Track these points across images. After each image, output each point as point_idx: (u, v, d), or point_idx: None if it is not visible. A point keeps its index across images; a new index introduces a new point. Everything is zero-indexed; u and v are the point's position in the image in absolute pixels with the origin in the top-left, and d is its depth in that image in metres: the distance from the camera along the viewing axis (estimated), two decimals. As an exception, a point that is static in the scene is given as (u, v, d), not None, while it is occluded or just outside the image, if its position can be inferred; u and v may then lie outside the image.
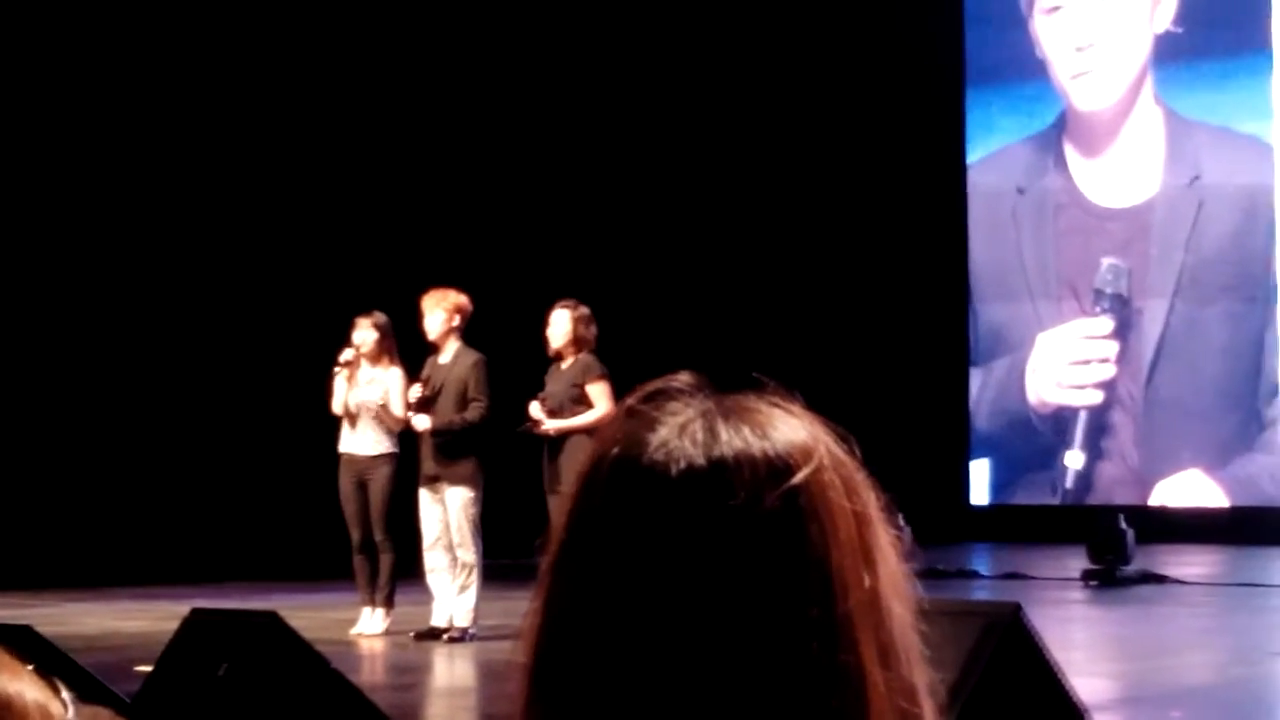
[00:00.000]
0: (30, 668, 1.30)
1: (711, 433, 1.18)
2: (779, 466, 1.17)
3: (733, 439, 1.18)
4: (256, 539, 16.46)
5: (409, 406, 11.67)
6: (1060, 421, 19.30)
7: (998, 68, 19.99)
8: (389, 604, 11.97)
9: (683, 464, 1.17)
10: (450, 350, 11.69)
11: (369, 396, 11.86)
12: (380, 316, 12.04)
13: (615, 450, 1.20)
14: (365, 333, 11.91)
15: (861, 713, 1.15)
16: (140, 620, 12.59)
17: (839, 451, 1.21)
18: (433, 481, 11.56)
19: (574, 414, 11.22)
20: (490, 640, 11.39)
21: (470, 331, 11.82)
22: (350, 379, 11.94)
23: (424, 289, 11.89)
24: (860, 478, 1.21)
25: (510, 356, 12.31)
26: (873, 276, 19.64)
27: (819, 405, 1.24)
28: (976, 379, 19.96)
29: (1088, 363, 19.15)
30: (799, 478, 1.17)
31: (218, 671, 7.69)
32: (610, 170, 18.86)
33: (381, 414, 11.84)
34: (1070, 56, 19.50)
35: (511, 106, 18.53)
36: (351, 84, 17.72)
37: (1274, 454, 18.29)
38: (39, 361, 16.29)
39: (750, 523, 1.15)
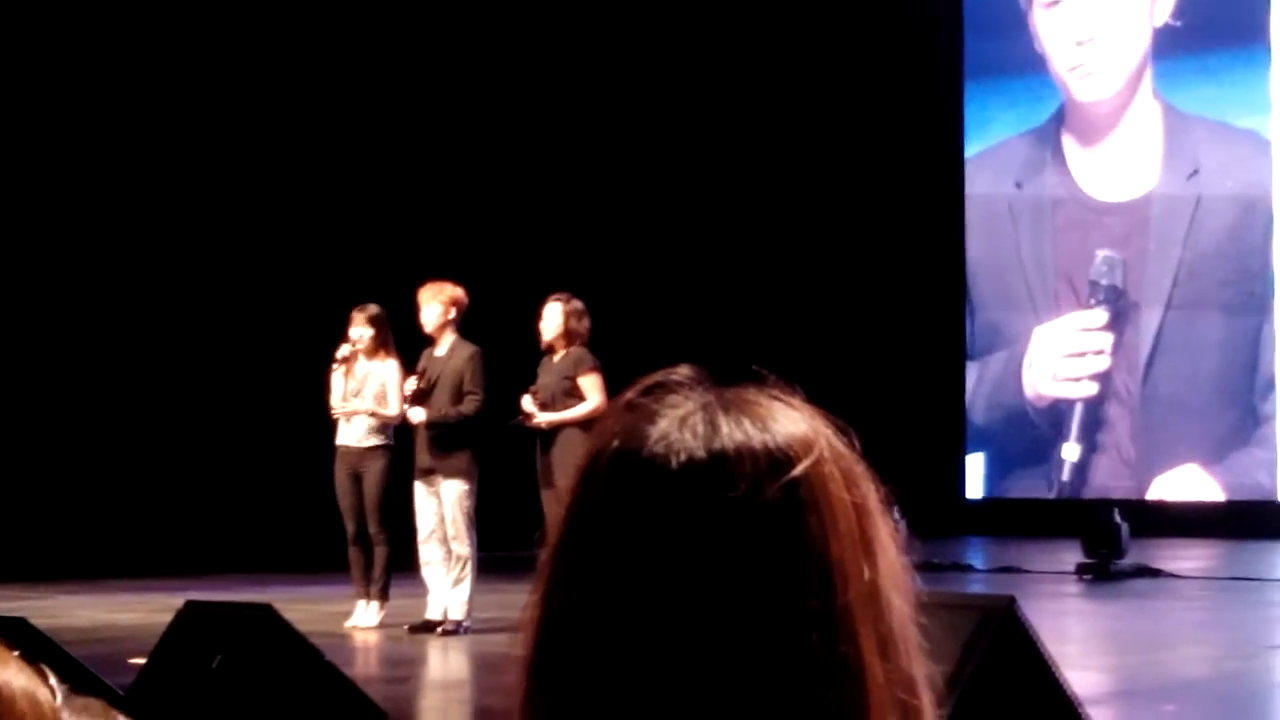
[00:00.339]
0: (16, 654, 1.29)
1: (712, 425, 1.18)
2: (779, 459, 1.17)
3: (733, 431, 1.18)
4: (251, 531, 16.46)
5: (405, 399, 11.68)
6: (1056, 415, 19.31)
7: (996, 63, 19.99)
8: (384, 596, 11.96)
9: (683, 456, 1.17)
10: (446, 343, 11.68)
11: (361, 402, 11.86)
12: (375, 309, 12.04)
13: (615, 443, 1.20)
14: (361, 329, 11.91)
15: (861, 705, 1.15)
16: (134, 612, 12.58)
17: (839, 444, 1.20)
18: (427, 474, 11.56)
19: (566, 407, 11.22)
20: (485, 633, 11.40)
21: (466, 324, 11.81)
22: (347, 373, 11.94)
23: (420, 281, 11.89)
24: (860, 470, 1.21)
25: (506, 349, 12.30)
26: (869, 270, 19.64)
27: (815, 399, 1.24)
28: (973, 373, 19.97)
29: (1083, 355, 19.16)
30: (799, 470, 1.17)
31: (212, 663, 7.69)
32: (608, 166, 18.86)
33: (376, 409, 11.83)
34: (1070, 50, 19.51)
35: (508, 99, 18.52)
36: (347, 80, 17.72)
37: (1269, 449, 18.30)
38: (35, 356, 16.28)
39: (750, 515, 1.15)
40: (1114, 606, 13.36)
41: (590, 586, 1.17)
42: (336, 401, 12.00)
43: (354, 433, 11.97)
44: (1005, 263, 19.85)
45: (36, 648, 7.20)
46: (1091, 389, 19.16)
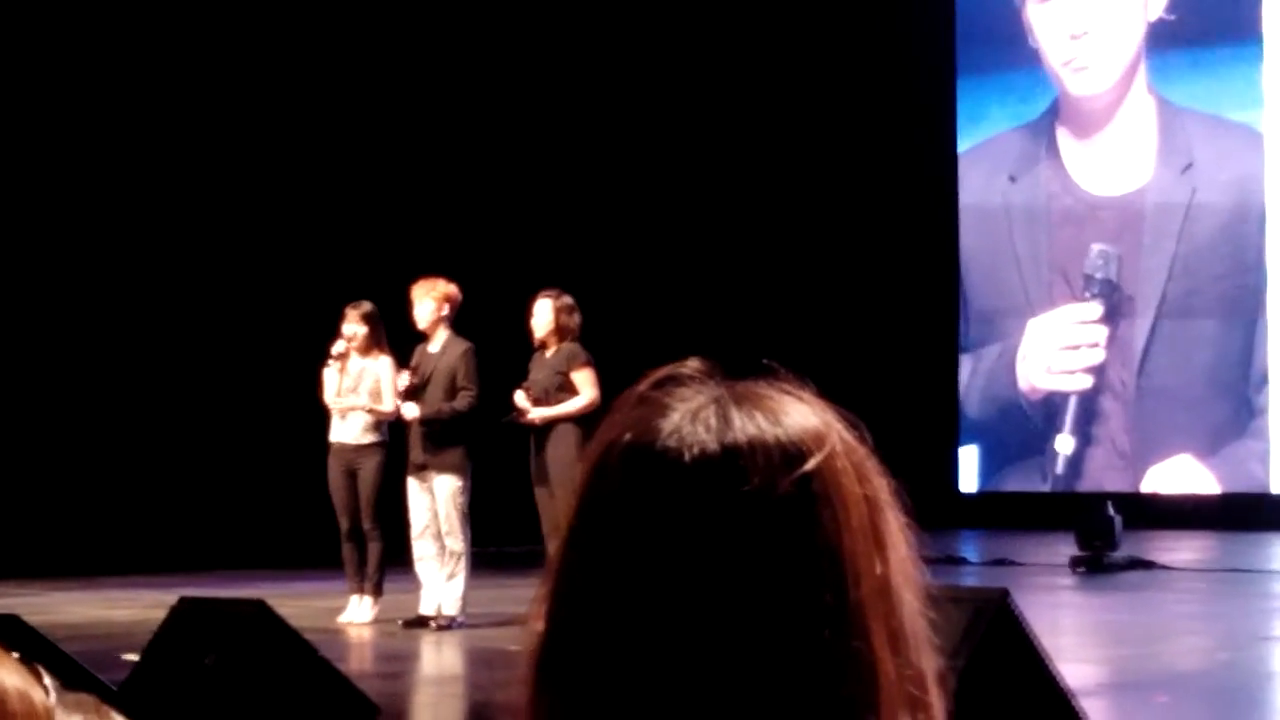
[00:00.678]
0: (16, 656, 1.29)
1: (724, 419, 1.18)
2: (792, 452, 1.17)
3: (746, 425, 1.18)
4: (245, 527, 16.46)
5: (399, 394, 11.68)
6: (1050, 407, 19.32)
7: (989, 57, 19.99)
8: (377, 592, 11.97)
9: (696, 450, 1.17)
10: (440, 339, 11.69)
11: (357, 399, 11.85)
12: (368, 306, 12.04)
13: (627, 436, 1.19)
14: (355, 325, 11.91)
15: (872, 700, 1.15)
16: (128, 609, 12.58)
17: (850, 438, 1.21)
18: (421, 470, 11.56)
19: (558, 402, 11.23)
20: (478, 628, 11.40)
21: (460, 320, 11.81)
22: (342, 370, 11.94)
23: (413, 278, 11.89)
24: (872, 464, 1.21)
25: (500, 345, 12.30)
26: (863, 264, 19.65)
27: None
28: (967, 366, 19.98)
29: (1077, 348, 19.17)
30: (812, 464, 1.17)
31: (205, 660, 7.68)
32: (601, 160, 18.85)
33: (373, 405, 11.83)
34: (1064, 44, 19.52)
35: (501, 96, 18.51)
36: (339, 77, 17.70)
37: (1263, 440, 18.32)
38: (28, 354, 16.26)
39: (763, 509, 1.15)
40: (1108, 599, 13.38)
41: (602, 579, 1.16)
42: (331, 398, 12.00)
43: (349, 429, 11.98)
44: (999, 257, 19.86)
45: (29, 644, 7.20)
46: (1086, 382, 19.17)
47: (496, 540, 14.53)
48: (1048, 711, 6.52)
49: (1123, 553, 14.94)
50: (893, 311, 19.59)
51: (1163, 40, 19.01)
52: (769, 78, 19.60)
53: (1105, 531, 14.95)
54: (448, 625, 11.47)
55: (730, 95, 19.43)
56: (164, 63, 16.90)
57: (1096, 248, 19.18)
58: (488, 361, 11.75)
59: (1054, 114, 19.64)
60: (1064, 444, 19.24)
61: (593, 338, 11.70)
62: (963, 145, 20.18)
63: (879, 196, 19.64)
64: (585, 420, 11.11)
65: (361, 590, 11.98)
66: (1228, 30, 18.74)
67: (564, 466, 11.02)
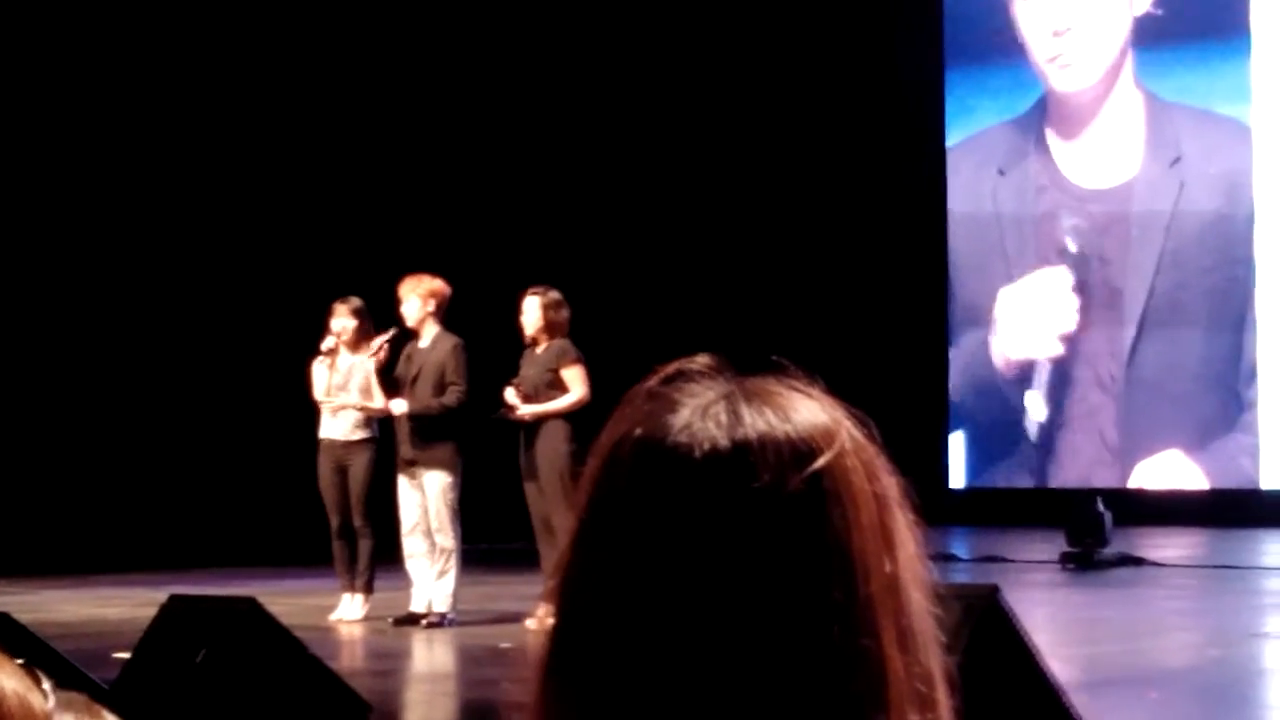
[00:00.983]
0: (20, 662, 1.29)
1: (734, 415, 1.18)
2: (802, 449, 1.17)
3: (756, 421, 1.18)
4: (235, 525, 16.44)
5: (379, 356, 11.74)
6: (1025, 377, 19.37)
7: (977, 50, 20.00)
8: (368, 589, 11.96)
9: (706, 446, 1.17)
10: (429, 335, 11.69)
11: (349, 396, 11.86)
12: (357, 302, 12.03)
13: (638, 431, 1.19)
14: (344, 320, 11.91)
15: (881, 697, 1.15)
16: (119, 607, 12.56)
17: (860, 435, 1.21)
18: (410, 466, 11.55)
19: (548, 399, 11.23)
20: (469, 625, 11.40)
21: (455, 317, 11.82)
22: (331, 366, 11.94)
23: (403, 274, 11.88)
24: (881, 462, 1.21)
25: (492, 342, 12.29)
26: (850, 259, 19.64)
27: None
28: (957, 361, 20.00)
29: (1049, 314, 19.20)
30: (822, 461, 1.17)
31: (196, 658, 7.68)
32: (592, 156, 18.84)
33: (364, 403, 11.83)
34: (1048, 41, 19.53)
35: (494, 91, 18.50)
36: (328, 73, 17.68)
37: (1253, 434, 18.34)
38: (17, 352, 16.24)
39: (774, 505, 1.15)
40: (1098, 595, 13.38)
41: (612, 575, 1.16)
42: (321, 394, 11.99)
43: (339, 426, 11.97)
44: (989, 249, 19.88)
45: (20, 642, 7.19)
46: (1057, 347, 19.23)
47: (487, 537, 14.53)
48: (1039, 708, 6.52)
49: (1113, 549, 14.95)
50: (880, 307, 19.59)
51: (1150, 35, 19.03)
52: (758, 70, 19.59)
53: (1095, 528, 14.96)
54: (439, 622, 11.47)
55: (720, 90, 19.43)
56: (152, 61, 16.87)
57: (1084, 240, 19.21)
58: (480, 357, 11.75)
59: (1042, 108, 19.66)
60: (1054, 438, 19.24)
61: (587, 335, 11.70)
62: (951, 139, 20.20)
63: (868, 191, 19.64)
64: (574, 417, 11.14)
65: (352, 588, 11.97)
66: (1215, 24, 18.76)
67: (552, 462, 11.05)
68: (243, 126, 17.28)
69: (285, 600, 11.14)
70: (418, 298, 11.67)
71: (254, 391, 16.53)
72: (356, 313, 11.96)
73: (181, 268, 16.95)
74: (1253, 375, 18.37)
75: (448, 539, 11.46)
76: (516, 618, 11.40)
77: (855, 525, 1.17)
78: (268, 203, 17.32)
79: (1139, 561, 14.93)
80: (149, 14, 16.87)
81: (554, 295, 11.49)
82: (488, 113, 18.45)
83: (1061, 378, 19.34)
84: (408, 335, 11.83)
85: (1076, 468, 19.17)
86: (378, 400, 11.79)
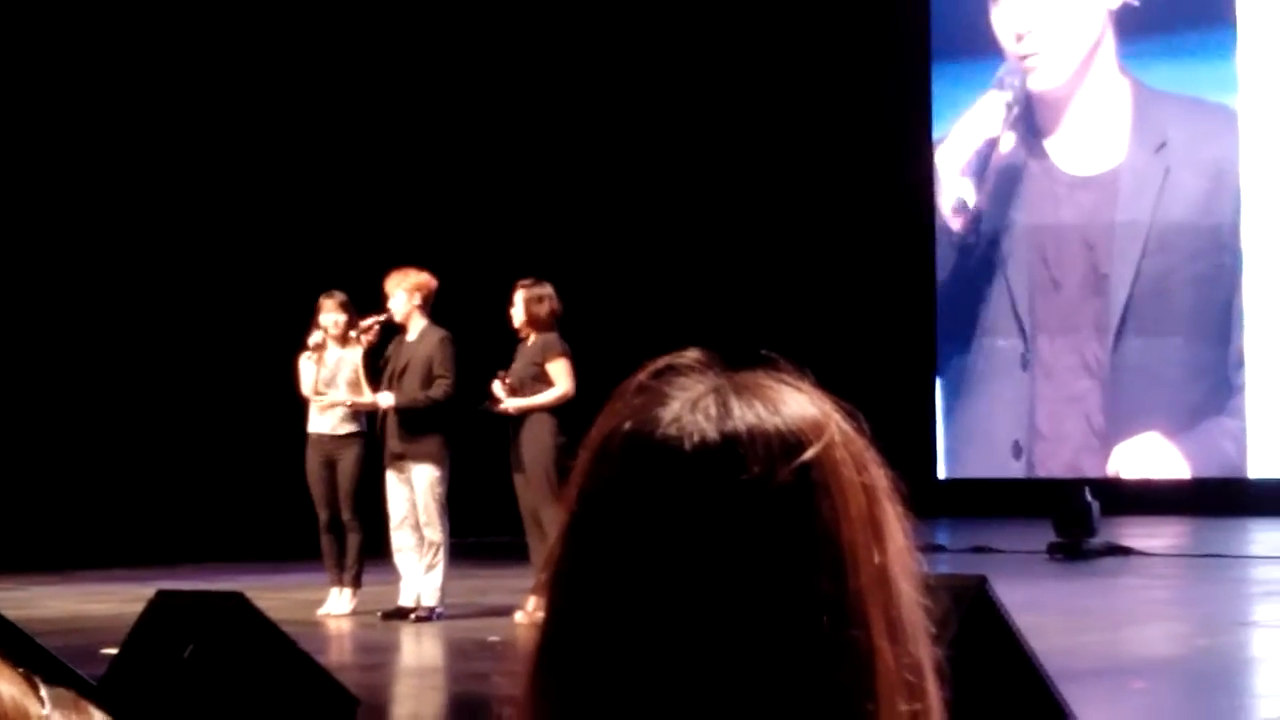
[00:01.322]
0: (21, 672, 1.29)
1: (724, 407, 1.18)
2: (791, 442, 1.17)
3: (745, 414, 1.18)
4: (222, 520, 16.42)
5: (365, 335, 11.76)
6: (1011, 364, 19.40)
7: (963, 42, 20.01)
8: (356, 584, 11.96)
9: (695, 438, 1.17)
10: (416, 328, 11.69)
11: (338, 393, 11.86)
12: (343, 296, 12.04)
13: (627, 424, 1.19)
14: (335, 314, 11.91)
15: (870, 688, 1.16)
16: (106, 602, 12.55)
17: (849, 428, 1.21)
18: (398, 460, 11.55)
19: (534, 392, 11.26)
20: (457, 619, 11.40)
21: (447, 311, 11.82)
22: (318, 361, 11.93)
23: (389, 268, 11.88)
24: (870, 454, 1.21)
25: (486, 335, 12.30)
26: (840, 252, 19.64)
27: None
28: (944, 351, 20.02)
29: (1035, 300, 19.26)
30: (811, 453, 1.17)
31: (184, 653, 7.67)
32: (583, 153, 18.82)
33: (354, 398, 11.83)
34: (1013, 44, 19.65)
35: (482, 85, 18.47)
36: (315, 69, 17.65)
37: (1240, 419, 18.36)
38: (3, 348, 16.20)
39: (763, 497, 1.15)
40: (1085, 585, 13.40)
41: (602, 567, 1.17)
42: (308, 389, 11.98)
43: (328, 420, 11.97)
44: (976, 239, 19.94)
45: (7, 638, 7.18)
46: (1062, 361, 19.26)
47: (476, 530, 14.53)
48: (1027, 698, 6.54)
49: (1100, 539, 14.97)
50: (869, 299, 19.59)
51: (1133, 25, 19.05)
52: (745, 68, 19.58)
53: (1082, 518, 14.98)
54: (427, 616, 11.47)
55: (709, 86, 19.41)
56: (138, 59, 16.83)
57: (1071, 226, 19.26)
58: (470, 351, 11.75)
59: (1027, 100, 19.69)
60: (1021, 394, 19.27)
61: (577, 329, 11.71)
62: (938, 131, 20.21)
63: (854, 183, 19.63)
64: (561, 410, 11.16)
65: (341, 582, 11.97)
66: (1200, 14, 18.78)
67: (537, 456, 11.10)
68: (230, 123, 17.24)
69: (273, 595, 11.14)
70: (404, 291, 11.67)
71: (241, 386, 16.51)
72: (344, 306, 11.97)
73: (167, 263, 16.92)
74: (1240, 361, 18.39)
75: (436, 533, 11.46)
76: (505, 611, 11.40)
77: (844, 517, 1.17)
78: (253, 198, 17.29)
79: (1126, 551, 14.96)
80: (135, 13, 16.83)
81: (538, 289, 11.50)
82: (478, 106, 18.43)
83: (1048, 364, 19.36)
84: (395, 328, 11.83)
85: (1064, 454, 19.20)
86: (366, 394, 11.79)
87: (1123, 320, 18.96)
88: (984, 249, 19.86)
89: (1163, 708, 8.67)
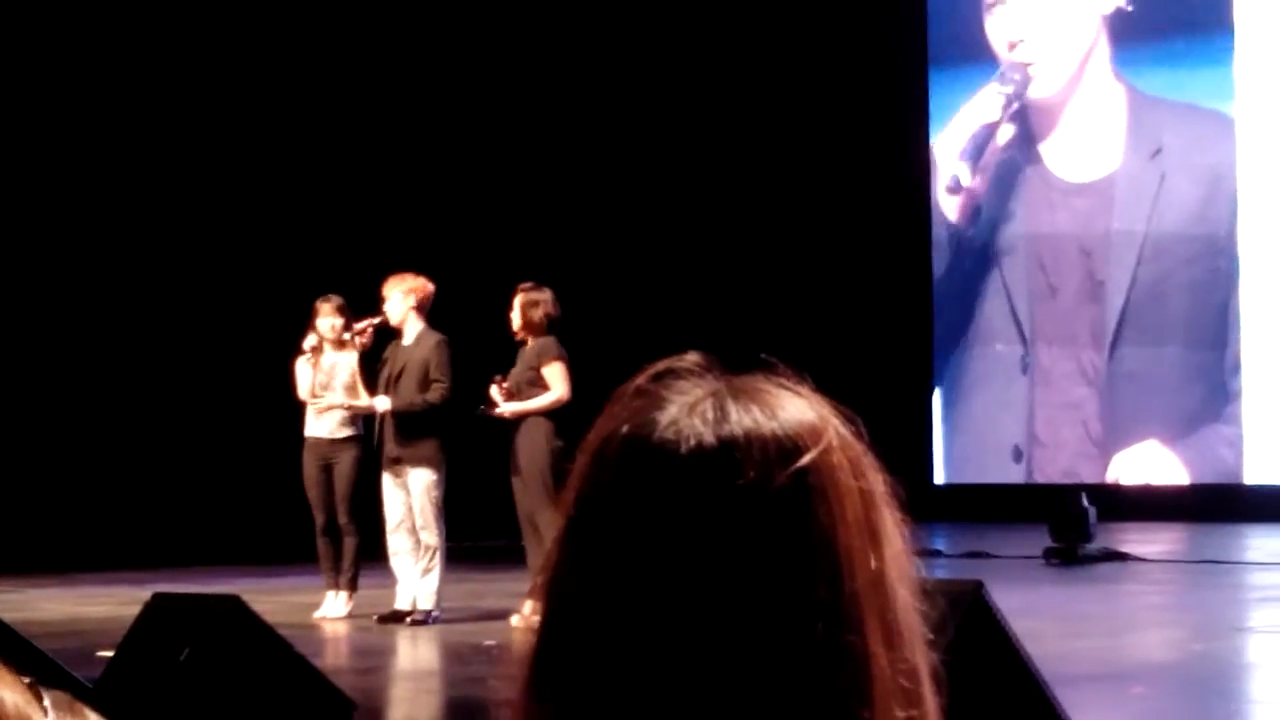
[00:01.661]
0: (28, 681, 1.29)
1: (721, 412, 1.18)
2: (789, 446, 1.17)
3: (742, 418, 1.18)
4: (219, 523, 16.42)
5: (357, 335, 11.76)
6: (1009, 370, 19.37)
7: (960, 48, 20.03)
8: (352, 587, 11.96)
9: (692, 442, 1.17)
10: (413, 332, 11.69)
11: (335, 396, 11.86)
12: (339, 300, 12.04)
13: (625, 428, 1.19)
14: (333, 318, 11.91)
15: (865, 693, 1.16)
16: (102, 605, 12.55)
17: (847, 433, 1.21)
18: (394, 463, 11.55)
19: (530, 396, 11.26)
20: (453, 623, 11.40)
21: (446, 315, 11.82)
22: (314, 365, 11.94)
23: (391, 272, 11.89)
24: (868, 459, 1.21)
25: (486, 339, 12.30)
26: (838, 256, 19.65)
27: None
28: (941, 356, 20.03)
29: (1033, 307, 19.24)
30: (808, 458, 1.17)
31: (180, 656, 7.66)
32: (581, 156, 18.83)
33: (350, 402, 11.83)
34: (1006, 52, 19.68)
35: (480, 88, 18.48)
36: (313, 73, 17.65)
37: (1236, 425, 18.37)
38: (1, 349, 16.22)
39: (759, 502, 1.15)
40: (1081, 590, 13.40)
41: (599, 571, 1.17)
42: (305, 393, 11.98)
43: (325, 424, 11.97)
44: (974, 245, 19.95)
45: (3, 641, 7.18)
46: (1059, 367, 19.26)
47: (472, 534, 14.53)
48: (1024, 703, 6.53)
49: (1096, 544, 14.97)
50: (867, 304, 19.61)
51: (1127, 31, 19.09)
52: (744, 71, 19.59)
53: (1079, 523, 14.98)
54: (423, 620, 11.46)
55: (707, 89, 19.43)
56: (139, 62, 16.84)
57: (1052, 215, 19.27)
58: (468, 355, 11.75)
59: (1023, 105, 19.70)
60: (1019, 400, 19.27)
61: (576, 332, 11.72)
62: (935, 136, 20.23)
63: (853, 188, 19.65)
64: (557, 414, 11.16)
65: (337, 585, 11.97)
66: (1196, 21, 18.79)
67: (533, 459, 11.10)
68: (227, 127, 17.25)
69: (269, 598, 11.13)
70: (400, 295, 11.68)
71: (238, 390, 16.51)
72: (340, 310, 11.97)
73: (165, 268, 16.92)
74: (1236, 367, 18.40)
75: (432, 536, 11.46)
76: (501, 615, 11.40)
77: (841, 522, 1.17)
78: (250, 202, 17.30)
79: (1123, 557, 14.95)
80: (135, 15, 16.83)
81: (535, 294, 11.49)
82: (477, 110, 18.43)
83: (1046, 370, 19.37)
84: (391, 332, 11.83)
85: (1061, 460, 19.21)
86: (363, 398, 11.79)
87: (1119, 327, 18.97)
88: (981, 254, 19.88)
89: (1159, 713, 8.66)
